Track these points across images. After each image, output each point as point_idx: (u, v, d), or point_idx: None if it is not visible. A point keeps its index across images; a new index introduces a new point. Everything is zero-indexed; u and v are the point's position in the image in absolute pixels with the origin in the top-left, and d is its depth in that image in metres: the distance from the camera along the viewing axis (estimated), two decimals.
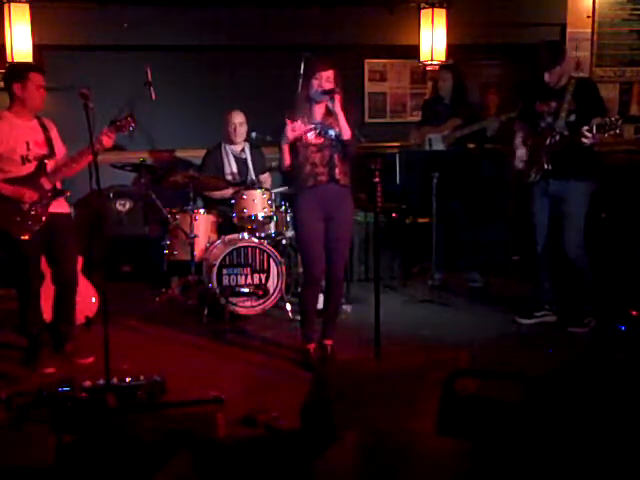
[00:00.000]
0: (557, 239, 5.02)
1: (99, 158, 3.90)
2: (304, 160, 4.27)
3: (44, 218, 4.34)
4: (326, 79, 4.21)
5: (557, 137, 4.85)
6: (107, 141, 4.30)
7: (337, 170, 4.28)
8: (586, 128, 4.66)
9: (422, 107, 6.60)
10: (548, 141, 4.88)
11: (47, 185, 4.35)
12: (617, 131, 4.65)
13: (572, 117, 4.83)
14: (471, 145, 6.26)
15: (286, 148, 4.28)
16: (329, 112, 4.30)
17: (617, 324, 4.96)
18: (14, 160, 4.29)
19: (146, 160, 6.09)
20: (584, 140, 4.68)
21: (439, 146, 6.13)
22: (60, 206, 4.47)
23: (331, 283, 4.46)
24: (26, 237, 4.29)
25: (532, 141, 5.01)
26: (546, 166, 4.91)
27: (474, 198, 6.29)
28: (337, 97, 4.18)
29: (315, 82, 4.23)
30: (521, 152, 5.08)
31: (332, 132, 4.27)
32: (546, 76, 4.88)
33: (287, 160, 4.31)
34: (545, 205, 5.02)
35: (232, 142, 6.04)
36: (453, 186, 6.02)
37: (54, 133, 4.50)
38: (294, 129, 4.22)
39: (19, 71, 4.40)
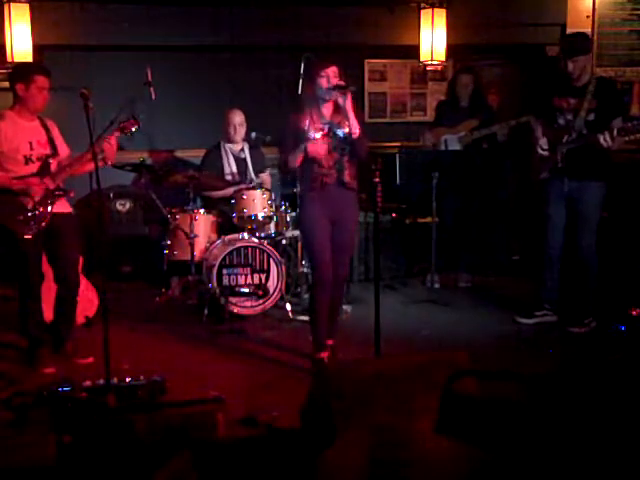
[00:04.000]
0: (568, 239, 5.01)
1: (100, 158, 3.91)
2: (312, 161, 4.20)
3: (47, 218, 4.34)
4: (333, 75, 4.14)
5: (575, 135, 4.80)
6: (109, 148, 4.28)
7: (346, 173, 4.23)
8: (608, 132, 4.59)
9: (436, 108, 6.57)
10: (565, 139, 4.85)
11: (50, 185, 4.35)
12: (638, 135, 4.57)
13: (591, 116, 4.79)
14: (485, 145, 6.24)
15: (300, 157, 4.19)
16: (337, 110, 4.24)
17: (617, 324, 4.96)
18: (17, 160, 4.29)
19: (146, 160, 6.09)
20: (603, 143, 4.61)
21: (455, 147, 6.13)
22: (62, 206, 4.47)
23: (334, 284, 4.36)
24: (29, 236, 4.29)
25: (549, 136, 4.96)
26: (560, 164, 4.88)
27: (474, 198, 6.29)
28: (348, 93, 4.11)
29: (322, 80, 4.14)
30: (543, 141, 4.98)
31: (341, 132, 4.20)
32: (569, 65, 4.78)
33: (298, 163, 4.21)
34: (561, 206, 4.98)
35: (232, 141, 6.04)
36: (453, 186, 6.02)
37: (56, 133, 4.50)
38: (316, 149, 4.13)
39: (24, 71, 4.40)
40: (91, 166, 4.06)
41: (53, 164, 4.38)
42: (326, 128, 4.22)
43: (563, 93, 4.90)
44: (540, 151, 4.97)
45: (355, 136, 4.16)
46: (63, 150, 4.50)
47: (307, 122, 4.19)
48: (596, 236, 4.94)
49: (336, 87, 4.12)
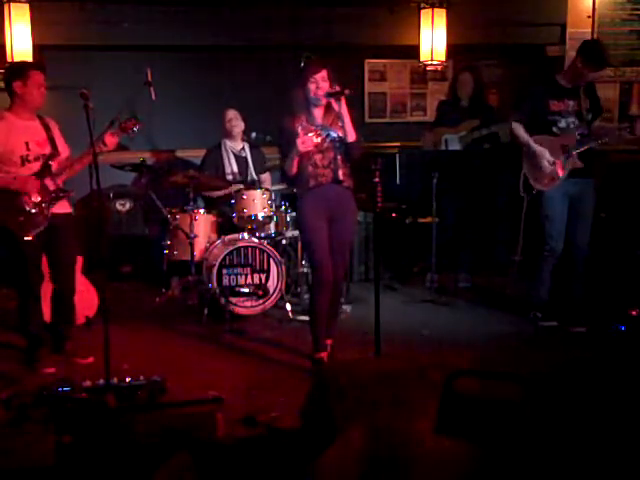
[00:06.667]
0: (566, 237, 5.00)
1: (100, 158, 3.90)
2: (306, 161, 4.20)
3: (48, 218, 4.34)
4: (322, 80, 4.15)
5: (586, 132, 4.82)
6: (110, 142, 4.29)
7: (340, 172, 4.23)
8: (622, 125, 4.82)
9: (437, 108, 6.55)
10: (579, 138, 4.84)
11: (51, 186, 4.34)
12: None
13: (589, 116, 4.88)
14: (487, 145, 6.23)
15: (296, 161, 4.19)
16: (328, 112, 4.26)
17: (617, 324, 4.96)
18: (13, 161, 4.28)
19: (146, 160, 6.09)
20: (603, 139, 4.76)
21: (455, 146, 6.12)
22: (62, 206, 4.46)
23: (333, 284, 4.35)
24: (30, 237, 4.28)
25: (552, 143, 4.88)
26: (580, 164, 4.85)
27: (474, 198, 6.29)
28: (342, 98, 4.11)
29: (312, 86, 4.16)
30: (547, 154, 4.87)
31: (334, 133, 4.22)
32: (593, 75, 4.84)
33: (294, 169, 4.23)
34: (565, 208, 4.93)
35: (231, 137, 6.05)
36: (453, 186, 6.02)
37: (57, 132, 4.49)
38: (304, 142, 4.12)
39: (20, 69, 4.38)
40: (89, 160, 4.05)
41: (54, 165, 4.37)
42: (318, 130, 4.22)
43: (559, 96, 4.89)
44: (547, 165, 4.87)
45: (350, 140, 4.19)
46: (64, 150, 4.49)
47: (299, 125, 4.19)
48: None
49: (330, 94, 4.14)
